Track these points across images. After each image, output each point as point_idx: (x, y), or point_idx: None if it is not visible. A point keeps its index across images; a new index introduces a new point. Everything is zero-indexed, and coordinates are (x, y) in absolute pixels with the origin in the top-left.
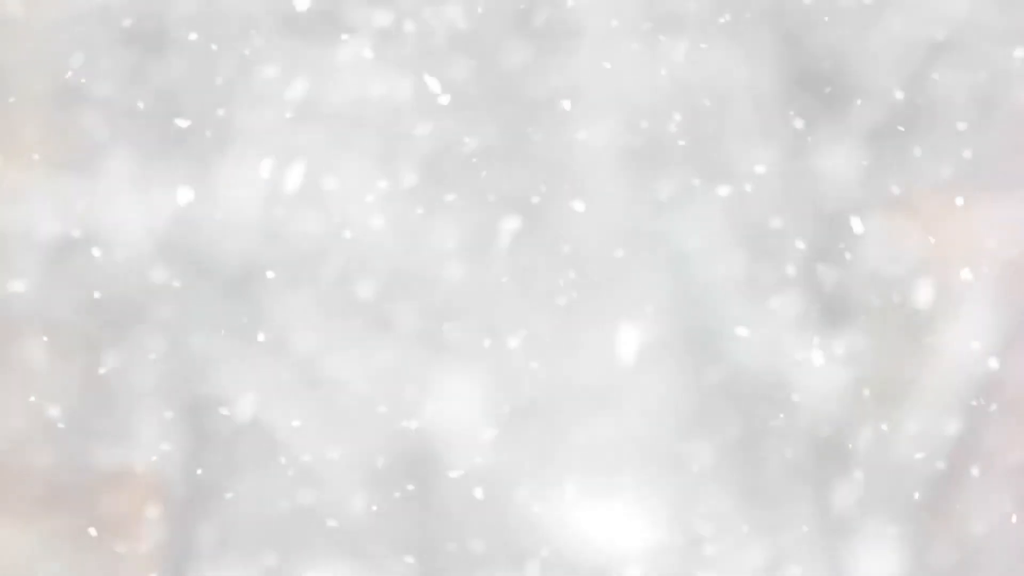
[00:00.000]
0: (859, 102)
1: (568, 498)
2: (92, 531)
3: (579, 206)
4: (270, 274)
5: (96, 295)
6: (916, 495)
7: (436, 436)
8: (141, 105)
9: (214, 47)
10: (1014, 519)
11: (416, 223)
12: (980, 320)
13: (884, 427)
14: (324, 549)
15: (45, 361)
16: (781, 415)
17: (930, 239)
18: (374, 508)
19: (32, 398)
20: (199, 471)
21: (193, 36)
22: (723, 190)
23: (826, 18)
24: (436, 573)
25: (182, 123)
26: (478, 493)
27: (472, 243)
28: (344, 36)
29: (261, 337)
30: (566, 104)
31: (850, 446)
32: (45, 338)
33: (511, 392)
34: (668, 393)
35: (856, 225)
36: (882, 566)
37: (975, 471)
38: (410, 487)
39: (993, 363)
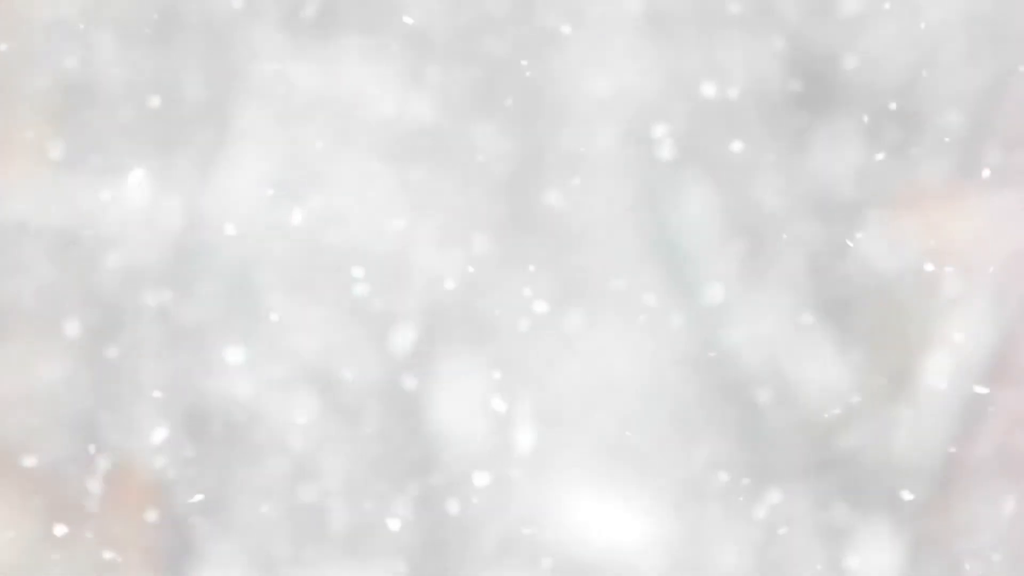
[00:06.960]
0: (859, 98)
1: (573, 497)
2: (89, 530)
3: (576, 200)
4: (272, 270)
5: (95, 291)
6: (914, 492)
7: (439, 434)
8: (142, 101)
9: (217, 42)
10: (1015, 517)
11: (416, 221)
12: (981, 317)
13: (882, 424)
14: (325, 549)
15: (42, 359)
16: (779, 411)
17: (930, 235)
18: (376, 507)
19: (29, 395)
20: (199, 470)
21: (195, 31)
22: (721, 185)
23: (825, 14)
24: (438, 573)
25: (183, 118)
26: (482, 491)
27: (470, 244)
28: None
29: (263, 334)
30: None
31: (848, 443)
32: (43, 335)
33: (514, 390)
34: (665, 390)
35: (856, 221)
36: (880, 563)
37: (974, 468)
38: (413, 486)
39: (993, 361)
